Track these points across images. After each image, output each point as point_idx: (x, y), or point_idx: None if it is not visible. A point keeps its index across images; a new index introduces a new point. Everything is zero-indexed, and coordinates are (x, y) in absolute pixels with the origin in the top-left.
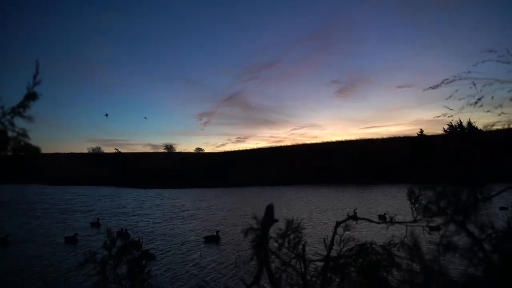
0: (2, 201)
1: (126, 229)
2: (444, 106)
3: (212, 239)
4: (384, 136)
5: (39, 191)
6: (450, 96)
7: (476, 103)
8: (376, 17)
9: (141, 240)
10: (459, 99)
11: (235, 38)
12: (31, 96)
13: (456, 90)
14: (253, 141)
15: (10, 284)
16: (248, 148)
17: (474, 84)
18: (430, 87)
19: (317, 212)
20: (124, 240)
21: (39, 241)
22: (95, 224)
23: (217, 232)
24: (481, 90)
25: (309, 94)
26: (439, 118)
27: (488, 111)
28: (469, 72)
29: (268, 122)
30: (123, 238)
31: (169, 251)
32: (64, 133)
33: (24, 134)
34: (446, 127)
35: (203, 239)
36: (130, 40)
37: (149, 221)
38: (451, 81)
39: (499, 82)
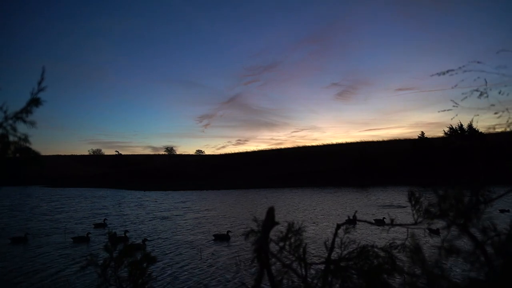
0: (2, 203)
1: (125, 232)
2: (451, 100)
3: (223, 238)
4: (385, 139)
5: (34, 193)
6: (456, 85)
7: (482, 94)
8: (376, 20)
9: (143, 243)
10: (471, 91)
11: (236, 40)
12: (35, 101)
13: (462, 80)
14: (253, 143)
15: (19, 283)
16: (248, 150)
17: (486, 83)
18: (437, 73)
19: (316, 215)
20: (123, 243)
21: (51, 240)
22: (101, 225)
23: (228, 231)
24: (491, 89)
25: (309, 97)
26: (444, 112)
27: (493, 105)
28: (478, 62)
29: (269, 124)
30: (122, 241)
31: (166, 252)
32: (64, 135)
33: (25, 139)
34: (446, 129)
35: (213, 237)
36: (131, 42)
37: (132, 221)
38: (462, 69)
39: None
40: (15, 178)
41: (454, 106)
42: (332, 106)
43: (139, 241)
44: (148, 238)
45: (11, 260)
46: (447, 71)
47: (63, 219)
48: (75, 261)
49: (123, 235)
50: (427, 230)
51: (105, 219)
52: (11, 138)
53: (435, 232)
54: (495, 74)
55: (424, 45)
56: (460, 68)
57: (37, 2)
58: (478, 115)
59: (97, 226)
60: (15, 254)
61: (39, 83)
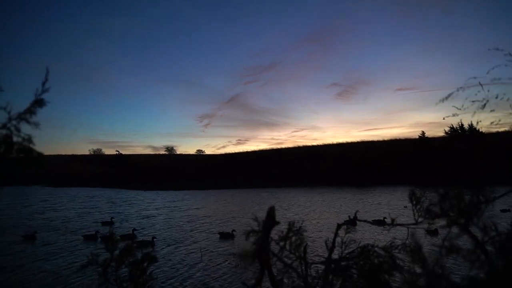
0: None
1: (133, 230)
2: (453, 106)
3: (227, 237)
4: (386, 138)
5: (35, 193)
6: (465, 99)
7: (484, 105)
8: (376, 20)
9: (151, 240)
10: (471, 101)
11: (236, 40)
12: (39, 102)
13: (466, 98)
14: (254, 143)
15: (31, 280)
16: (248, 150)
17: (481, 85)
18: (441, 100)
19: (316, 214)
20: (130, 241)
21: (60, 238)
22: (108, 223)
23: (232, 230)
24: (488, 91)
25: (309, 96)
26: (448, 118)
27: (493, 110)
28: (475, 78)
29: (269, 124)
30: (130, 239)
31: (167, 250)
32: (65, 135)
33: (29, 139)
34: (447, 129)
35: (219, 235)
36: (131, 42)
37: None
38: (461, 88)
39: (504, 83)
40: (15, 178)
41: (455, 114)
42: (332, 106)
43: (139, 238)
44: (146, 236)
45: (20, 258)
46: (450, 94)
47: (67, 218)
48: (83, 259)
49: (131, 233)
50: (425, 230)
51: (112, 218)
52: (15, 139)
53: (432, 233)
54: (493, 82)
55: (424, 45)
56: (462, 84)
57: (37, 2)
58: (480, 121)
59: (105, 224)
60: (24, 252)
61: (43, 84)
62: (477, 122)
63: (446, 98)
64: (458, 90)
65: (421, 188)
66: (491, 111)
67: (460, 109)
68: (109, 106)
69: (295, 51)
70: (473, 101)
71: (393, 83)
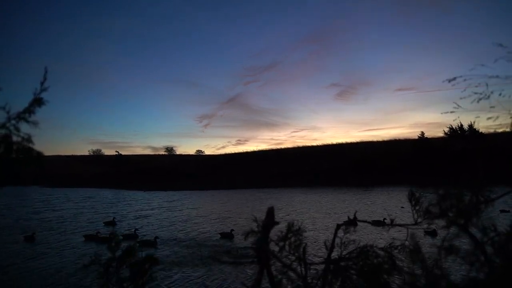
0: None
1: (135, 230)
2: (453, 102)
3: (227, 236)
4: (385, 139)
5: (34, 193)
6: (464, 90)
7: (483, 98)
8: (376, 20)
9: (154, 240)
10: (472, 93)
11: (236, 40)
12: (37, 101)
13: (469, 85)
14: (253, 143)
15: (31, 280)
16: (248, 150)
17: (487, 86)
18: (447, 80)
19: (316, 214)
20: (133, 241)
21: (60, 238)
22: (110, 223)
23: (231, 230)
24: (492, 92)
25: (309, 97)
26: (447, 114)
27: (493, 107)
28: (483, 65)
29: (269, 125)
30: (132, 238)
31: (166, 250)
32: (64, 135)
33: (28, 139)
34: (447, 129)
35: (219, 235)
36: (131, 42)
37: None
38: (468, 74)
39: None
40: (15, 178)
41: (455, 108)
42: (332, 106)
43: (141, 238)
44: (147, 235)
45: (19, 257)
46: (455, 78)
47: (67, 218)
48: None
49: (133, 233)
50: (424, 231)
51: (114, 218)
52: (15, 138)
53: (432, 233)
54: (497, 78)
55: (424, 45)
56: (467, 73)
57: (37, 2)
58: (479, 116)
59: (107, 224)
60: (23, 252)
61: (42, 83)
62: (474, 120)
63: (453, 79)
64: (466, 74)
65: (420, 188)
66: (491, 107)
67: (460, 106)
68: (109, 106)
69: (295, 51)
70: (474, 92)
71: (393, 83)
